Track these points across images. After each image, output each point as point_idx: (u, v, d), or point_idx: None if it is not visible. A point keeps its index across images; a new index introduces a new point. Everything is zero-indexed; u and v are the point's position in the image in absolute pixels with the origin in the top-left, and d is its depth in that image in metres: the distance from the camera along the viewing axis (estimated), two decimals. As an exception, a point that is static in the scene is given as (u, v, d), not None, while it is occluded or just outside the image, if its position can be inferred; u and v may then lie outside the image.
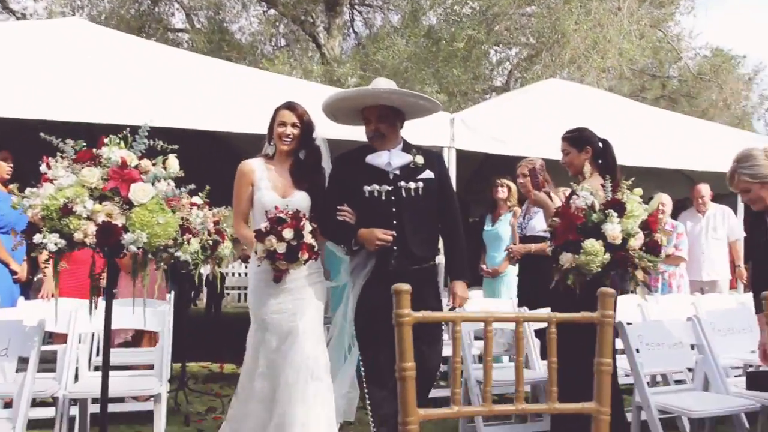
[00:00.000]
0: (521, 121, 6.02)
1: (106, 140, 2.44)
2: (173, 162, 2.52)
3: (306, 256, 2.85)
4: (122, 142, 2.48)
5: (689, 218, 6.62)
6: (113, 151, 2.39)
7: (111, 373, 2.72)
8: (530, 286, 4.93)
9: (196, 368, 6.11)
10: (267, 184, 3.10)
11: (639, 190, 3.12)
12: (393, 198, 3.17)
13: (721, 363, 3.59)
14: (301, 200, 3.13)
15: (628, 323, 3.48)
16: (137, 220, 2.26)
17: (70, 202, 2.21)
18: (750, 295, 3.67)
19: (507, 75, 14.02)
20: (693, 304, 4.82)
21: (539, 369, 4.11)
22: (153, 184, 2.37)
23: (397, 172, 3.23)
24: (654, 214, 3.09)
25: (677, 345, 3.55)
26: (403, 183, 3.19)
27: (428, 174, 3.25)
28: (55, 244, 2.23)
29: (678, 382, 4.11)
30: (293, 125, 3.16)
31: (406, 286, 1.49)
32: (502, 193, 5.69)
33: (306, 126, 3.21)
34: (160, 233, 2.30)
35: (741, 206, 6.90)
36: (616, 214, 2.96)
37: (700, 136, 7.37)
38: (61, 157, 2.40)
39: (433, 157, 3.36)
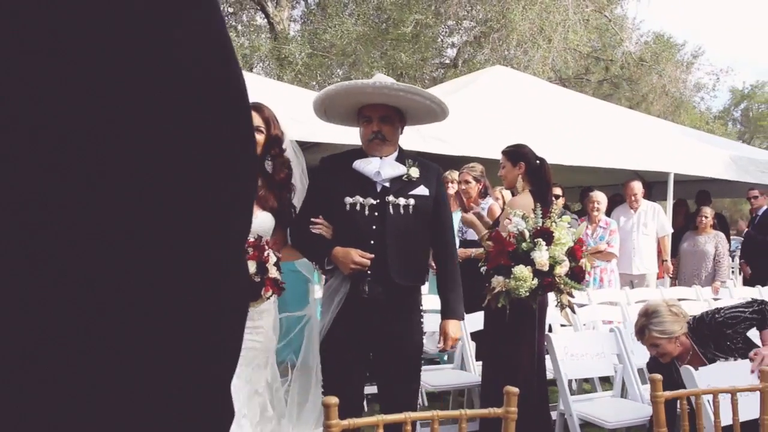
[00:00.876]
0: (464, 119, 6.11)
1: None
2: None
3: (270, 292, 2.41)
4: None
5: (622, 214, 6.93)
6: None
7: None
8: (469, 290, 5.11)
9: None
10: None
11: (567, 217, 3.30)
12: (377, 214, 2.72)
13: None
14: (263, 222, 2.61)
15: (563, 325, 3.71)
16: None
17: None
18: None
19: (455, 55, 14.10)
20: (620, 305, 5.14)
21: (474, 372, 4.33)
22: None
23: (387, 184, 2.77)
24: (580, 240, 3.28)
25: (599, 355, 3.81)
26: (391, 198, 2.75)
27: (422, 190, 2.80)
28: None
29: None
30: (257, 129, 2.58)
31: (333, 400, 1.56)
32: (451, 188, 5.44)
33: (272, 132, 2.69)
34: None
35: (670, 203, 7.29)
36: (544, 243, 3.14)
37: (639, 132, 7.68)
38: None
39: (431, 171, 2.89)
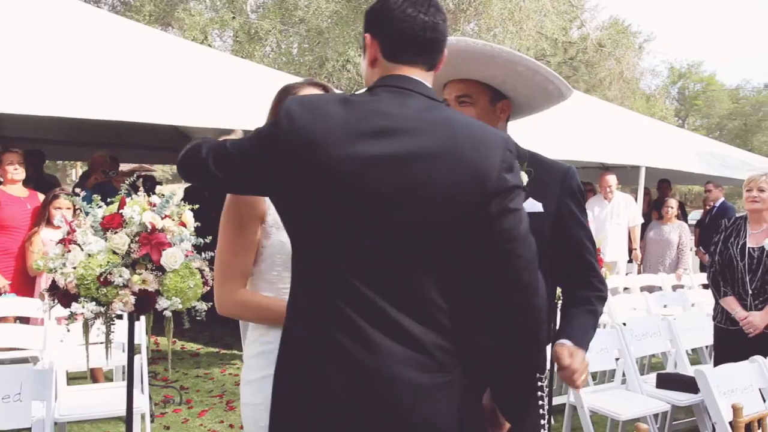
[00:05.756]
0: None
1: (127, 200, 2.52)
2: (189, 218, 2.63)
3: None
4: (136, 193, 2.56)
5: (597, 204, 7.34)
6: (135, 210, 2.48)
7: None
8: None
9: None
10: None
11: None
12: None
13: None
14: None
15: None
16: (171, 286, 2.39)
17: (108, 273, 2.30)
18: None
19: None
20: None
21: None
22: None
23: None
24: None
25: (602, 350, 4.13)
26: None
27: (533, 205, 1.88)
28: (91, 311, 2.34)
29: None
30: None
31: None
32: None
33: None
34: (191, 296, 2.46)
35: (641, 194, 7.73)
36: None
37: (609, 125, 8.06)
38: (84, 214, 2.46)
39: (552, 175, 1.94)
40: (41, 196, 4.87)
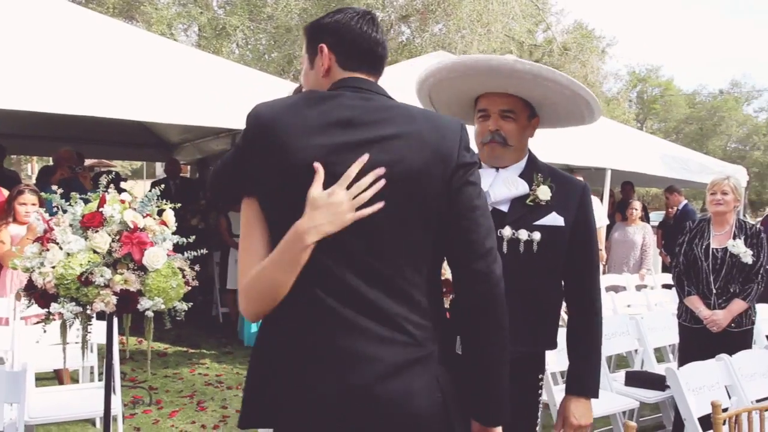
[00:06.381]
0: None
1: (108, 197, 2.47)
2: (170, 217, 2.60)
3: None
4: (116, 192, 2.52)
5: (563, 205, 7.47)
6: (115, 208, 2.44)
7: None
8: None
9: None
10: None
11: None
12: None
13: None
14: None
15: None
16: (154, 286, 2.36)
17: (89, 273, 2.26)
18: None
19: (398, 43, 14.20)
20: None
21: None
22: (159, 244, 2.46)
23: (503, 208, 2.02)
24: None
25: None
26: (507, 230, 2.00)
27: (555, 219, 2.00)
28: (71, 312, 2.29)
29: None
30: None
31: None
32: None
33: None
34: (173, 296, 2.43)
35: (606, 196, 7.90)
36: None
37: (579, 130, 8.20)
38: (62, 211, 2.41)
39: (572, 190, 2.06)
40: (5, 192, 4.74)
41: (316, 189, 1.36)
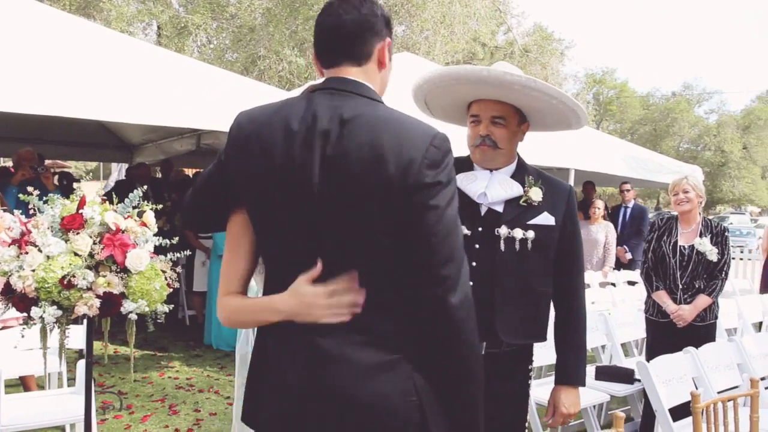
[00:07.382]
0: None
1: (88, 199, 2.43)
2: (151, 218, 2.57)
3: None
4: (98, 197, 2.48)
5: (529, 204, 7.59)
6: (95, 210, 2.40)
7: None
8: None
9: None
10: None
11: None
12: (477, 246, 2.09)
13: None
14: None
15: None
16: (137, 288, 2.33)
17: (71, 276, 2.21)
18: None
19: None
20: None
21: None
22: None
23: (498, 208, 2.13)
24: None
25: (545, 346, 4.30)
26: (503, 229, 2.10)
27: (546, 219, 2.14)
28: (52, 315, 2.24)
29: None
30: None
31: None
32: None
33: None
34: (156, 298, 2.40)
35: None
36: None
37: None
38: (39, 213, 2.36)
39: (559, 191, 2.21)
40: None
41: (305, 283, 1.42)
